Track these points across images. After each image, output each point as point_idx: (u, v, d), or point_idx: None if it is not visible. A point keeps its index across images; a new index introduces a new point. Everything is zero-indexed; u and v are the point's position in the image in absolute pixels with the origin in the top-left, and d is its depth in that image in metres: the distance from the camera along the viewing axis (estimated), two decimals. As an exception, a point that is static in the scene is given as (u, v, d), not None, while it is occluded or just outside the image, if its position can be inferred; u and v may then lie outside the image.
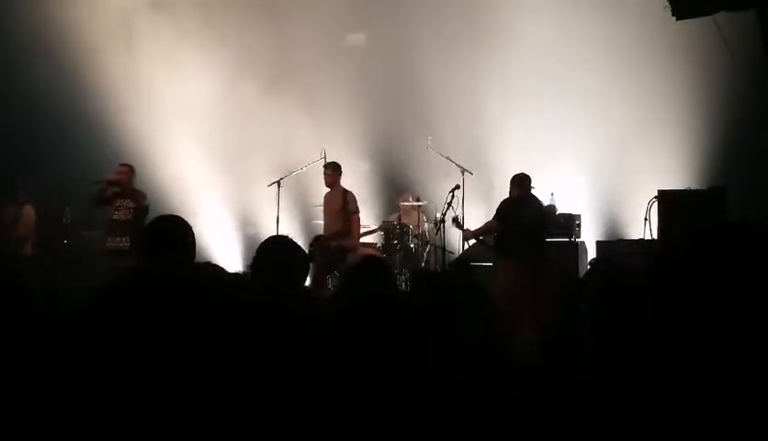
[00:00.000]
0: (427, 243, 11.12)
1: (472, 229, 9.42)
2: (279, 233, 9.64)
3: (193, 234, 3.62)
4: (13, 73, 10.90)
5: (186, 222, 3.68)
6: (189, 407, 2.87)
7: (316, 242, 9.78)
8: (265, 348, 3.01)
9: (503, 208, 9.14)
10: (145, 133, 11.47)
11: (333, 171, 9.90)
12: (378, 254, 10.30)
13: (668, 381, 2.03)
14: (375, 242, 11.31)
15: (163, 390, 2.94)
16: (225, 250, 11.48)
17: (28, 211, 10.23)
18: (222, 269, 3.77)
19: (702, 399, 1.92)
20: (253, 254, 4.10)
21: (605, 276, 2.63)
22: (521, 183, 9.14)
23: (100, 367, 3.08)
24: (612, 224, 11.29)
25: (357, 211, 9.94)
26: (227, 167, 11.70)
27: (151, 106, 11.46)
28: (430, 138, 11.29)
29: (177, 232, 3.59)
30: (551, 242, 9.87)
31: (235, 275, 4.18)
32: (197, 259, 3.81)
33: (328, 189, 9.97)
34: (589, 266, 9.14)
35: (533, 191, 9.21)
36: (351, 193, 9.93)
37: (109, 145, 11.17)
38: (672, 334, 2.03)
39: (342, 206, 9.80)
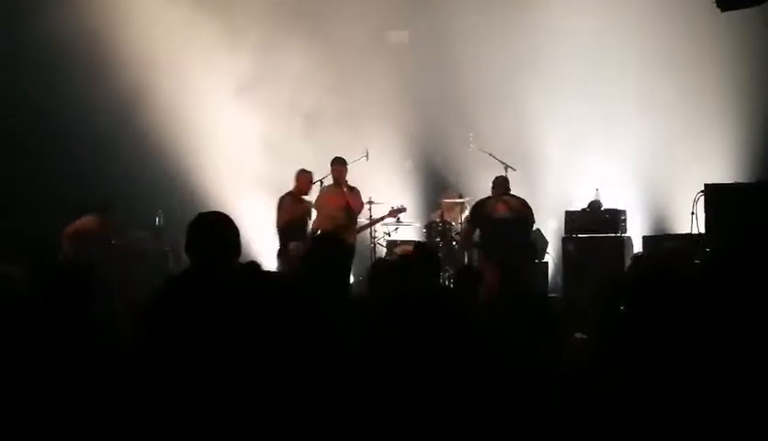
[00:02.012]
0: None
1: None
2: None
3: (237, 231, 3.53)
4: (54, 83, 11.04)
5: (229, 218, 3.57)
6: (233, 403, 2.88)
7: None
8: (317, 345, 3.00)
9: (471, 210, 9.59)
10: (190, 138, 11.62)
11: (345, 166, 9.88)
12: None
13: (711, 381, 2.01)
14: (417, 240, 11.30)
15: (211, 385, 2.96)
16: (269, 251, 11.57)
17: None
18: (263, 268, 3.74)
19: (746, 400, 1.89)
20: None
21: (643, 275, 2.59)
22: (493, 184, 9.46)
23: (153, 368, 3.11)
24: (658, 219, 11.17)
25: None
26: (270, 168, 11.77)
27: (195, 110, 11.59)
28: (471, 134, 11.27)
29: (223, 229, 3.50)
30: (597, 238, 9.82)
31: (282, 273, 4.22)
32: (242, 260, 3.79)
33: (331, 184, 9.89)
34: (630, 263, 9.07)
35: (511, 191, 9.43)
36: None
37: (150, 146, 11.34)
38: (719, 334, 1.99)
39: (350, 201, 9.77)
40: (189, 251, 3.46)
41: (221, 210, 3.78)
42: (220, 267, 3.37)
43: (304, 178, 9.82)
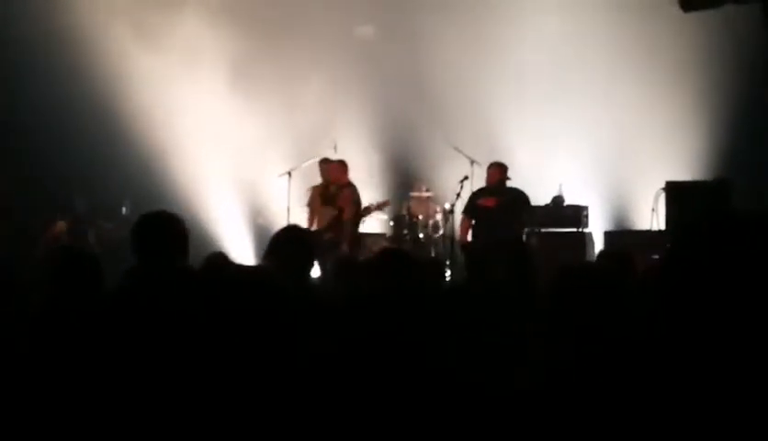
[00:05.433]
0: (437, 233, 11.18)
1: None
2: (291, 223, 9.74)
3: (185, 229, 3.58)
4: (24, 73, 10.96)
5: (176, 217, 3.63)
6: (195, 407, 2.86)
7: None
8: (281, 345, 3.00)
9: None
10: (156, 125, 11.58)
11: (330, 165, 10.05)
12: (388, 245, 10.36)
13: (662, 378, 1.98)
14: (384, 232, 11.38)
15: (169, 390, 2.94)
16: (236, 240, 11.57)
17: None
18: (231, 261, 3.75)
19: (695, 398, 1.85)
20: (266, 243, 4.12)
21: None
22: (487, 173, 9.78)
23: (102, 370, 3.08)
24: (620, 215, 11.33)
25: None
26: (238, 159, 11.79)
27: (161, 97, 11.55)
28: (440, 131, 11.38)
29: (171, 228, 3.54)
30: (559, 232, 9.95)
31: (249, 267, 4.19)
32: (210, 250, 3.79)
33: (328, 182, 10.03)
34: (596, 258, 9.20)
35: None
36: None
37: (119, 134, 11.29)
38: (673, 331, 1.93)
39: (349, 200, 9.94)
40: (134, 251, 3.48)
41: (189, 203, 3.85)
42: (167, 267, 3.37)
43: None
